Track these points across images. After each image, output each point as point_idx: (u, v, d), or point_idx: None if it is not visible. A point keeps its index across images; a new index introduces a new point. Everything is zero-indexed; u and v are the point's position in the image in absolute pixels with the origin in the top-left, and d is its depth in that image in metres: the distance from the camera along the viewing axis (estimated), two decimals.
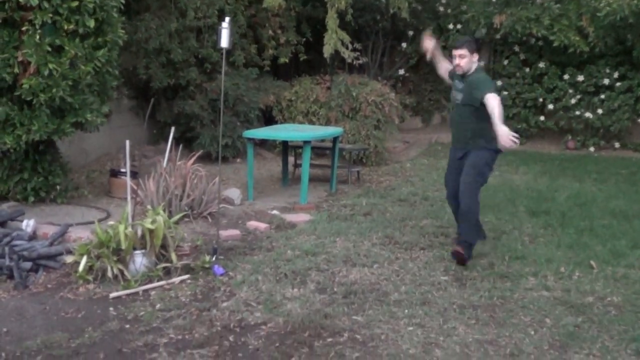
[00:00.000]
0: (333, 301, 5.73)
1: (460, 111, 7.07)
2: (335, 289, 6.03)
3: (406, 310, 5.55)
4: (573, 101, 16.19)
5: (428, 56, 7.62)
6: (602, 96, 16.02)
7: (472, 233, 6.93)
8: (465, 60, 6.89)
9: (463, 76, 6.99)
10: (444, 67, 7.60)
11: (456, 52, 6.95)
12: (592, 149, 16.07)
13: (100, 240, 6.17)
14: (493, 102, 6.49)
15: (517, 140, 6.33)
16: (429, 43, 7.51)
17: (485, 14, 15.68)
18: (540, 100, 16.54)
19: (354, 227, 8.11)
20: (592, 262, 6.90)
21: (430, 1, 17.48)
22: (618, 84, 15.87)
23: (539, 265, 6.79)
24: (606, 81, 15.92)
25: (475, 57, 6.97)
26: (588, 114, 15.97)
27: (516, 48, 16.90)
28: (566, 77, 16.29)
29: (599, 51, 15.45)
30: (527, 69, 16.81)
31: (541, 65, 16.56)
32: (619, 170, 13.02)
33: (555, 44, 14.96)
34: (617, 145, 16.20)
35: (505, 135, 6.29)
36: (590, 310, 5.67)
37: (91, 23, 7.98)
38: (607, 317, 5.53)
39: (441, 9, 17.41)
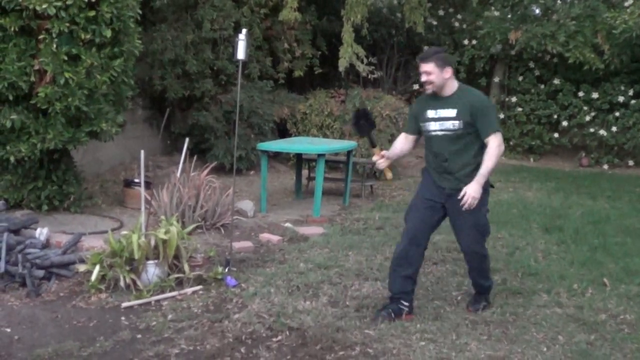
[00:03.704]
0: (345, 315, 5.71)
1: (452, 146, 5.58)
2: (347, 303, 6.02)
3: (418, 325, 5.52)
4: (587, 118, 16.19)
5: (383, 166, 6.07)
6: (617, 114, 16.03)
7: (489, 286, 6.07)
8: (433, 77, 5.47)
9: (436, 96, 5.61)
10: (401, 144, 6.03)
11: (422, 68, 5.55)
12: (605, 166, 16.04)
13: (113, 249, 6.18)
14: (495, 151, 5.42)
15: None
16: (382, 161, 5.98)
17: (501, 30, 15.73)
18: (555, 117, 16.56)
19: (366, 241, 8.10)
20: (605, 280, 6.86)
21: (446, 16, 17.52)
22: (633, 101, 15.87)
23: (552, 282, 6.75)
24: (621, 99, 15.92)
25: (447, 73, 5.48)
26: (602, 132, 15.96)
27: (531, 64, 16.93)
28: (581, 94, 16.30)
29: (614, 68, 15.51)
30: (542, 86, 16.83)
31: (556, 81, 16.57)
32: (632, 188, 12.98)
33: (570, 60, 15.01)
34: (631, 163, 16.17)
35: (473, 196, 5.39)
36: (603, 328, 5.63)
37: (108, 33, 8.01)
38: (620, 335, 5.49)
39: (456, 24, 17.46)
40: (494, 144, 5.43)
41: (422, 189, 5.94)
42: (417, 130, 5.87)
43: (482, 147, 5.52)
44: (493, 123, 5.52)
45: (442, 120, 5.56)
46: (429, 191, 5.81)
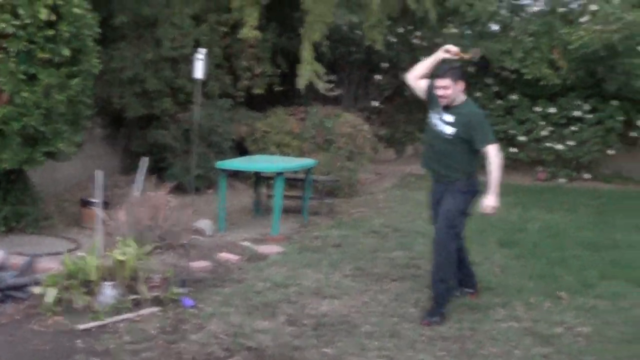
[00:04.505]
0: (303, 333, 5.72)
1: (442, 145, 6.28)
2: (305, 321, 6.02)
3: (376, 342, 5.55)
4: (544, 133, 16.35)
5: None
6: (573, 128, 16.21)
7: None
8: (450, 91, 6.13)
9: (447, 107, 6.22)
10: (423, 83, 6.60)
11: (439, 83, 6.18)
12: (563, 180, 16.20)
13: (69, 271, 6.13)
14: (495, 160, 6.10)
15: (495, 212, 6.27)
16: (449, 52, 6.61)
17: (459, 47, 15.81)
18: (512, 132, 16.67)
19: (325, 258, 8.11)
20: (561, 294, 6.95)
21: (405, 34, 17.61)
22: (589, 116, 16.08)
23: (509, 296, 6.82)
24: (577, 113, 16.12)
25: (460, 85, 6.21)
26: (559, 146, 16.14)
27: (489, 80, 17.05)
28: (538, 109, 16.46)
29: (570, 84, 15.70)
30: (500, 101, 16.95)
31: (513, 97, 16.72)
32: (589, 202, 13.14)
33: (528, 76, 15.15)
34: (587, 176, 16.36)
35: (492, 206, 6.19)
36: (559, 341, 5.71)
37: (66, 52, 7.97)
38: (576, 347, 5.57)
39: (416, 41, 17.54)
40: (492, 154, 6.13)
41: (430, 199, 6.71)
42: (424, 82, 6.58)
43: (469, 159, 6.29)
44: (488, 135, 6.22)
45: (441, 122, 6.26)
46: (432, 196, 6.61)
